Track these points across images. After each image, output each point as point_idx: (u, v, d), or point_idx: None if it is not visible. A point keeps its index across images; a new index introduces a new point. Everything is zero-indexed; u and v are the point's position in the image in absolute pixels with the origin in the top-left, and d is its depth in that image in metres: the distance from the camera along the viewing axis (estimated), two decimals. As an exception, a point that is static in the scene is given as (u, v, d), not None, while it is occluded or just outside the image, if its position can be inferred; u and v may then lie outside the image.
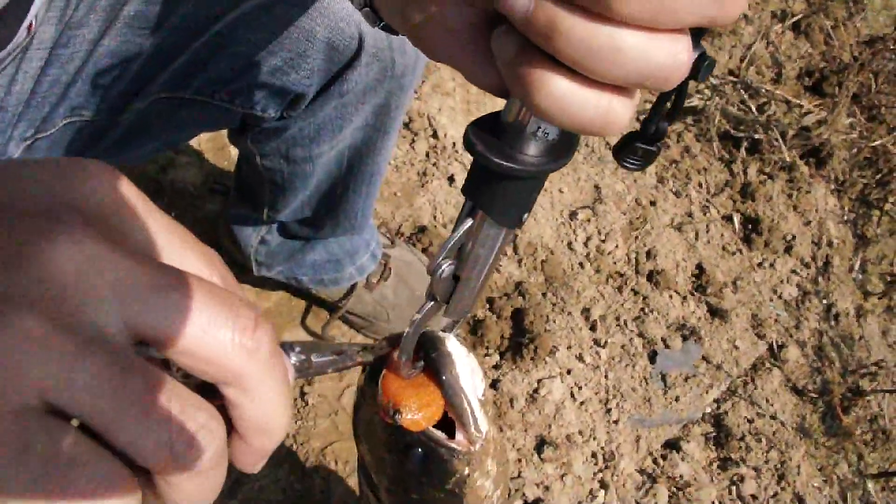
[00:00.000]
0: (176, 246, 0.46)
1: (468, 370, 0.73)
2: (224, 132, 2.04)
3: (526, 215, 0.58)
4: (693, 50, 0.47)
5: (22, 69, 1.00)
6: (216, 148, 2.06)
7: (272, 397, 0.45)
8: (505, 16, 0.44)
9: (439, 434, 0.74)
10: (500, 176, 0.53)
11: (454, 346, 0.72)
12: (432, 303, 0.64)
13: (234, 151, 2.06)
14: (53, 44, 1.00)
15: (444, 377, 0.71)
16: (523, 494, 1.78)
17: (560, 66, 0.43)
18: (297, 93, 1.20)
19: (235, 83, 1.17)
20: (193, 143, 2.04)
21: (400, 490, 0.82)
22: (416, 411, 0.71)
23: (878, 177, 2.59)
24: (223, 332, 0.41)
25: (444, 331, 0.74)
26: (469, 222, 0.57)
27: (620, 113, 0.44)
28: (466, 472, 0.77)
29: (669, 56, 0.42)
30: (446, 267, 0.60)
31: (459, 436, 0.75)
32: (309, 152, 1.38)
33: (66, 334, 0.37)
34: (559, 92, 0.43)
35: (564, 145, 0.52)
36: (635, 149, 0.57)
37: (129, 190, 0.43)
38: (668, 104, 0.58)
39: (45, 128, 1.08)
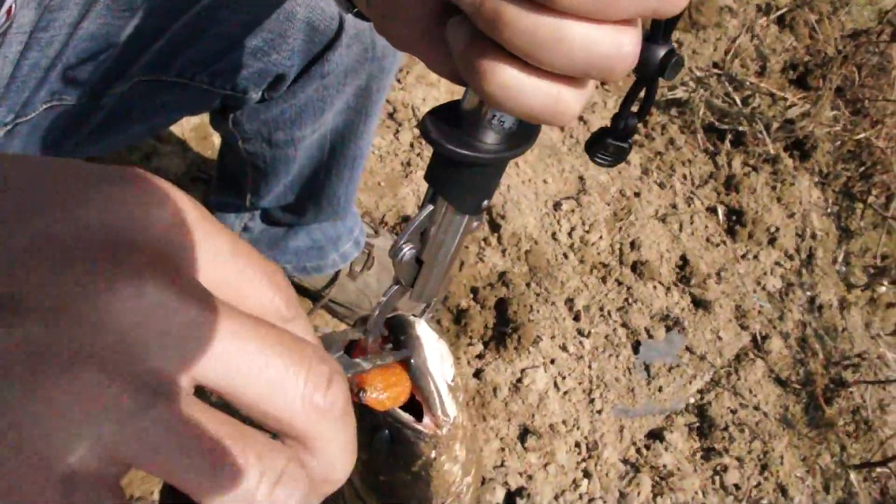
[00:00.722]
0: (241, 269, 0.42)
1: (437, 355, 0.74)
2: (207, 121, 2.04)
3: (486, 202, 0.59)
4: (660, 46, 0.49)
5: (1, 54, 0.99)
6: (199, 137, 2.05)
7: (339, 454, 0.41)
8: (457, 6, 0.44)
9: (406, 416, 0.75)
10: (458, 163, 0.54)
11: (424, 330, 0.73)
12: (397, 286, 0.65)
13: (217, 140, 2.05)
14: (33, 27, 0.99)
15: (412, 360, 0.72)
16: (506, 483, 1.78)
17: (510, 56, 0.44)
18: (278, 73, 1.19)
19: (216, 65, 1.16)
20: (176, 131, 2.03)
21: (370, 474, 0.82)
22: (382, 391, 0.71)
23: (862, 170, 2.60)
24: (293, 389, 0.38)
25: (415, 316, 0.74)
26: (430, 208, 0.58)
27: (570, 102, 0.45)
28: (433, 455, 0.77)
29: (613, 47, 0.42)
30: (407, 251, 0.61)
31: (427, 419, 0.75)
32: (291, 135, 1.37)
33: (126, 387, 0.34)
34: (509, 81, 0.44)
35: (522, 134, 0.53)
36: (606, 145, 0.58)
37: (191, 212, 0.40)
38: (639, 101, 0.60)
39: (26, 112, 1.07)
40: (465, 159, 0.52)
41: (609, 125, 0.58)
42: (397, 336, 0.72)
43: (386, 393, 0.71)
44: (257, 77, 1.20)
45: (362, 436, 0.75)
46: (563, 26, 0.41)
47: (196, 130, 2.06)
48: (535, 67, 0.44)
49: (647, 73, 0.51)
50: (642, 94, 0.57)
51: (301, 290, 1.89)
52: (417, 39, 0.51)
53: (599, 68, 0.43)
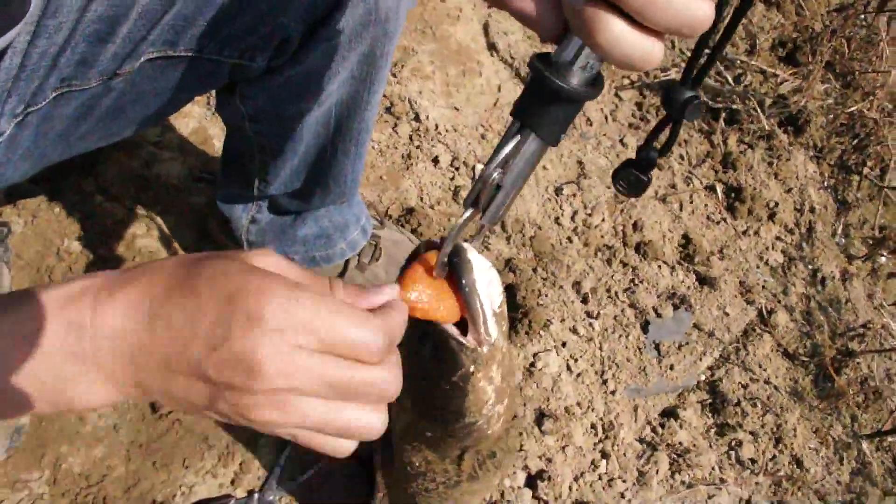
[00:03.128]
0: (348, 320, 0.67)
1: (486, 280, 0.82)
2: (205, 124, 2.04)
3: (562, 136, 0.71)
4: (687, 90, 0.66)
5: (10, 45, 0.99)
6: (199, 140, 2.05)
7: None
8: None
9: (452, 328, 0.83)
10: (554, 97, 0.66)
11: (475, 256, 0.81)
12: (472, 209, 0.75)
13: (217, 144, 2.05)
14: (41, 15, 0.99)
15: (462, 279, 0.80)
16: (526, 467, 1.79)
17: (620, 13, 0.56)
18: (284, 37, 1.20)
19: (222, 34, 1.16)
20: (175, 136, 2.03)
21: (414, 381, 0.86)
22: (429, 300, 0.80)
23: (856, 142, 2.61)
24: None
25: (467, 241, 0.83)
26: (517, 138, 0.70)
27: (658, 53, 0.58)
28: (472, 369, 0.85)
29: (702, 10, 0.55)
30: (497, 175, 0.72)
31: (470, 335, 0.83)
32: (298, 108, 1.37)
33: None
34: (618, 33, 0.57)
35: (599, 80, 0.67)
36: (628, 174, 0.73)
37: (306, 286, 0.68)
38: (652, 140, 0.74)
39: (36, 101, 1.06)
40: (567, 94, 0.65)
41: (634, 157, 0.73)
42: (451, 258, 0.80)
43: (441, 307, 0.81)
44: (264, 41, 1.20)
45: (413, 343, 0.84)
46: None
47: (195, 134, 2.06)
48: (639, 24, 0.56)
49: (673, 111, 0.67)
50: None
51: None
52: (529, 1, 0.63)
53: (690, 26, 0.56)
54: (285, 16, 1.16)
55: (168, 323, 0.66)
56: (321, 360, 0.66)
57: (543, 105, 0.67)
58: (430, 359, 0.85)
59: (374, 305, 0.72)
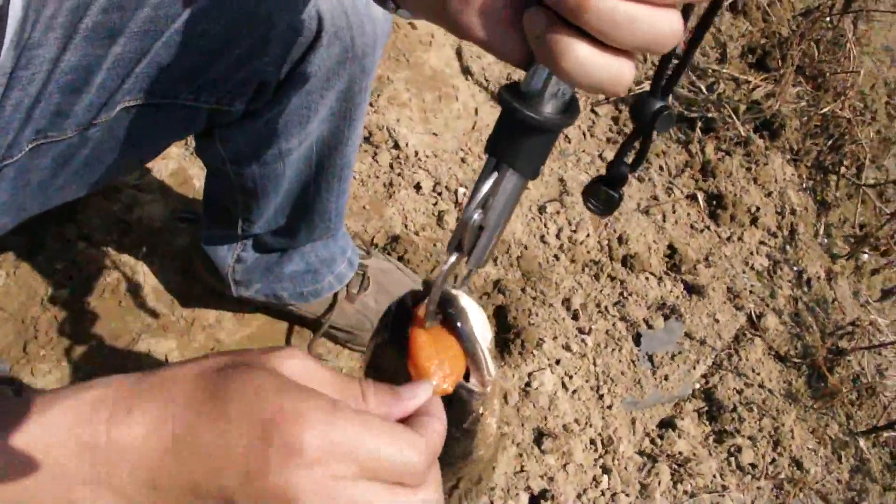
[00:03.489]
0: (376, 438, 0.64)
1: (480, 322, 0.82)
2: (185, 165, 2.04)
3: (541, 168, 0.69)
4: (656, 101, 0.63)
5: None
6: (179, 182, 2.05)
7: None
8: None
9: (460, 381, 0.82)
10: (528, 129, 0.64)
11: (467, 301, 0.81)
12: (456, 255, 0.73)
13: (198, 183, 2.05)
14: (13, 67, 0.98)
15: (461, 329, 0.80)
16: (528, 487, 1.78)
17: (583, 36, 0.54)
18: (262, 80, 1.19)
19: (199, 79, 1.15)
20: (156, 178, 2.03)
21: None
22: (443, 381, 0.80)
23: (831, 142, 2.64)
24: None
25: (455, 288, 0.82)
26: (494, 175, 0.67)
27: (628, 74, 0.56)
28: (481, 410, 0.86)
29: (668, 25, 0.53)
30: (477, 216, 0.69)
31: (473, 381, 0.83)
32: (278, 149, 1.37)
33: None
34: (583, 57, 0.54)
35: (573, 105, 0.64)
36: (598, 191, 0.70)
37: (342, 405, 0.65)
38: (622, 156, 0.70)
39: (11, 154, 1.05)
40: (539, 125, 0.63)
41: (604, 174, 0.70)
42: (446, 308, 0.80)
43: (447, 382, 0.80)
44: (241, 86, 1.19)
45: None
46: (635, 9, 0.52)
47: (175, 175, 2.05)
48: (604, 45, 0.54)
49: (643, 122, 0.64)
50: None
51: (300, 321, 1.89)
52: (490, 29, 0.61)
53: (657, 43, 0.54)
54: (262, 60, 1.16)
55: (195, 448, 0.63)
56: (363, 489, 0.63)
57: (518, 139, 0.65)
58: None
59: (410, 411, 0.70)
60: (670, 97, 0.66)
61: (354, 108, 1.38)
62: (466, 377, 0.83)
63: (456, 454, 0.93)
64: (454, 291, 0.81)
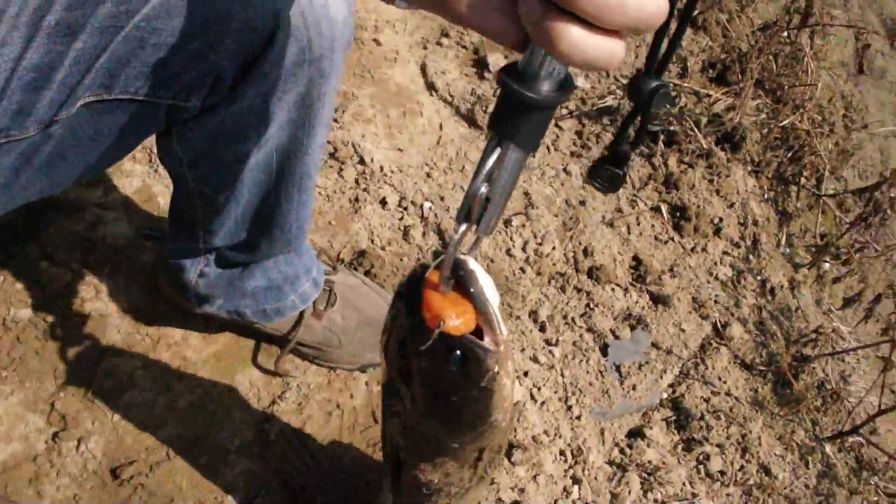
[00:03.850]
0: None
1: (488, 284, 0.87)
2: (149, 182, 2.03)
3: (540, 142, 0.73)
4: (652, 80, 0.70)
5: None
6: (144, 199, 2.04)
7: None
8: None
9: (474, 338, 0.87)
10: (527, 107, 0.68)
11: (474, 265, 0.86)
12: (465, 224, 0.78)
13: (162, 201, 2.04)
14: None
15: (473, 290, 0.85)
16: (499, 500, 1.78)
17: (577, 20, 0.58)
18: (217, 75, 1.19)
19: (157, 74, 1.15)
20: (119, 196, 2.02)
21: (440, 399, 0.95)
22: (457, 319, 0.85)
23: (791, 154, 2.68)
24: None
25: (464, 254, 0.87)
26: (498, 151, 0.72)
27: (619, 51, 0.60)
28: (497, 369, 0.89)
29: (656, 5, 0.57)
30: (483, 189, 0.74)
31: (487, 340, 0.87)
32: (235, 152, 1.36)
33: None
34: (577, 40, 0.58)
35: (567, 83, 0.68)
36: (603, 170, 0.77)
37: None
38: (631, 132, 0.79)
39: None
40: (537, 103, 0.67)
41: (607, 153, 0.76)
42: (457, 272, 0.85)
43: (460, 320, 0.84)
44: (197, 81, 1.19)
45: (437, 362, 0.89)
46: None
47: (139, 193, 2.04)
48: (596, 27, 0.58)
49: (641, 101, 0.70)
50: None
51: (266, 338, 1.88)
52: (487, 15, 0.65)
53: (646, 22, 0.58)
54: (217, 55, 1.16)
55: None
56: None
57: (518, 116, 0.70)
58: (459, 372, 0.89)
59: None
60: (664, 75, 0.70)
61: (314, 115, 1.38)
62: (480, 338, 0.88)
63: (473, 415, 0.97)
64: (463, 257, 0.85)
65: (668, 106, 0.75)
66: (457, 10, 0.66)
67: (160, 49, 1.12)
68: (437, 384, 0.93)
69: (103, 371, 1.78)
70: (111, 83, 1.12)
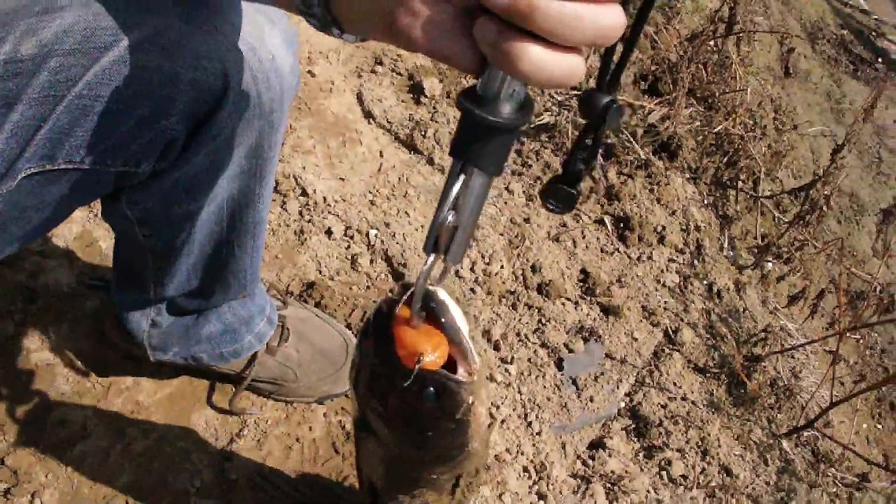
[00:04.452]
0: None
1: (459, 314, 0.86)
2: (90, 228, 2.00)
3: (504, 164, 0.72)
4: (604, 96, 0.66)
5: None
6: (83, 245, 2.00)
7: None
8: (487, 7, 0.58)
9: (445, 372, 0.86)
10: (488, 131, 0.67)
11: (444, 295, 0.85)
12: (433, 255, 0.77)
13: (104, 245, 2.01)
14: None
15: (445, 321, 0.84)
16: (466, 520, 1.77)
17: (534, 38, 0.58)
18: (168, 140, 1.17)
19: (104, 143, 1.12)
20: (60, 243, 1.98)
21: (415, 434, 0.94)
22: (433, 353, 0.84)
23: (726, 159, 2.73)
24: None
25: (433, 285, 0.85)
26: (462, 177, 0.71)
27: (580, 66, 0.60)
28: (471, 400, 0.89)
29: (612, 19, 0.57)
30: (451, 217, 0.73)
31: (461, 371, 0.87)
32: (187, 209, 1.34)
33: None
34: (537, 59, 0.58)
35: (528, 103, 0.68)
36: (558, 190, 0.74)
37: None
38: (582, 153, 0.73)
39: None
40: (499, 126, 0.66)
41: (560, 173, 0.74)
42: (427, 304, 0.83)
43: (436, 353, 0.84)
44: (148, 147, 1.16)
45: (410, 399, 0.88)
46: (580, 8, 0.56)
47: (80, 239, 2.01)
48: (555, 44, 0.58)
49: (593, 118, 0.68)
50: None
51: (220, 377, 1.86)
52: (441, 40, 0.64)
53: (604, 36, 0.58)
54: (168, 119, 1.13)
55: None
56: None
57: (480, 140, 0.69)
58: (434, 408, 0.88)
59: None
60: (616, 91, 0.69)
61: (265, 164, 1.37)
62: (453, 371, 0.87)
63: (450, 446, 0.97)
64: (432, 288, 0.84)
65: (621, 122, 0.75)
66: (410, 37, 0.65)
67: (106, 117, 1.08)
68: (412, 419, 0.92)
69: (53, 422, 1.74)
70: (54, 153, 1.08)
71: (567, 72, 0.59)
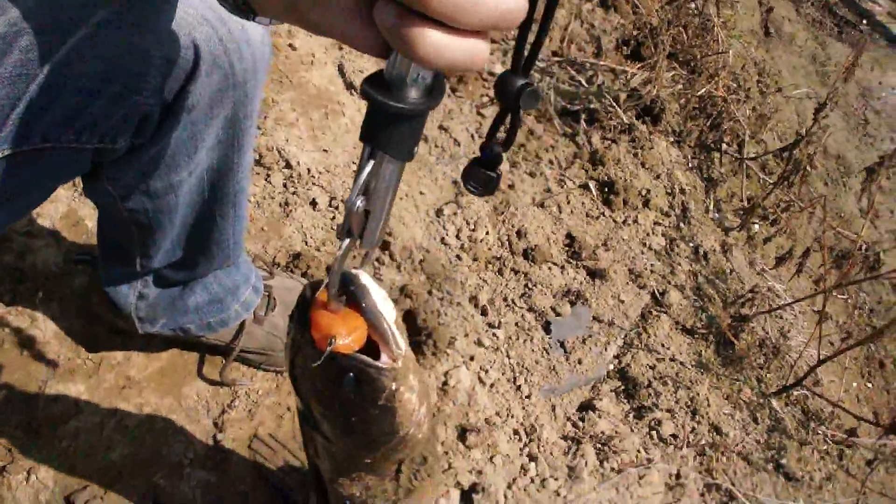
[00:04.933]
0: None
1: (381, 298, 0.84)
2: (75, 207, 2.00)
3: (416, 149, 0.70)
4: (519, 78, 0.64)
5: None
6: (70, 224, 2.00)
7: None
8: None
9: (366, 357, 0.84)
10: (394, 117, 0.66)
11: (366, 279, 0.83)
12: (348, 239, 0.75)
13: (90, 224, 2.01)
14: None
15: (364, 305, 0.82)
16: (458, 483, 1.78)
17: (433, 23, 0.56)
18: (143, 114, 1.17)
19: (79, 120, 1.12)
20: (47, 223, 1.98)
21: (341, 419, 0.92)
22: (347, 336, 0.81)
23: (710, 122, 2.74)
24: None
25: (355, 268, 0.84)
26: (371, 163, 0.70)
27: (483, 51, 0.58)
28: (394, 386, 0.86)
29: (513, 1, 0.55)
30: (360, 203, 0.71)
31: (384, 357, 0.85)
32: (168, 181, 1.34)
33: None
34: (437, 42, 0.57)
35: (437, 87, 0.66)
36: (477, 172, 0.72)
37: None
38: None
39: None
40: (403, 112, 0.64)
41: (479, 155, 0.72)
42: (347, 287, 0.82)
43: (351, 337, 0.81)
44: (123, 122, 1.17)
45: (331, 384, 0.85)
46: None
47: (66, 218, 2.01)
48: (455, 28, 0.56)
49: (508, 101, 0.65)
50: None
51: (210, 349, 1.86)
52: (346, 24, 0.62)
53: (506, 20, 0.56)
54: (141, 94, 1.13)
55: None
56: None
57: (388, 126, 0.67)
58: (354, 393, 0.86)
59: None
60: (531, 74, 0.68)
61: (242, 133, 1.37)
62: (376, 356, 0.85)
63: (378, 432, 0.94)
64: (354, 271, 0.83)
65: (536, 106, 0.72)
66: (314, 20, 0.64)
67: (79, 94, 1.08)
68: (336, 404, 0.90)
69: (47, 400, 1.75)
70: (29, 133, 1.08)
71: (467, 56, 0.58)
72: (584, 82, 2.66)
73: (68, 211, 2.02)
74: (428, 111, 0.67)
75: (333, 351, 0.81)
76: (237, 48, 1.23)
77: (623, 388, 2.09)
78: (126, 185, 1.35)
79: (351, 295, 0.82)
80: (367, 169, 0.70)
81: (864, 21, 4.43)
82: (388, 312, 0.85)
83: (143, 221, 1.44)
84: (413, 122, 0.67)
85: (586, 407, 2.02)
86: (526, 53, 0.65)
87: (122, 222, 1.45)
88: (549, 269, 2.23)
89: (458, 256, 2.18)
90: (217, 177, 1.42)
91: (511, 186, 2.39)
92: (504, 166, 2.45)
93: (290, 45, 2.52)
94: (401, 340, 0.85)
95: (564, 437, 1.95)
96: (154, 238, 1.49)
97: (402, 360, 0.86)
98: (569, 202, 2.42)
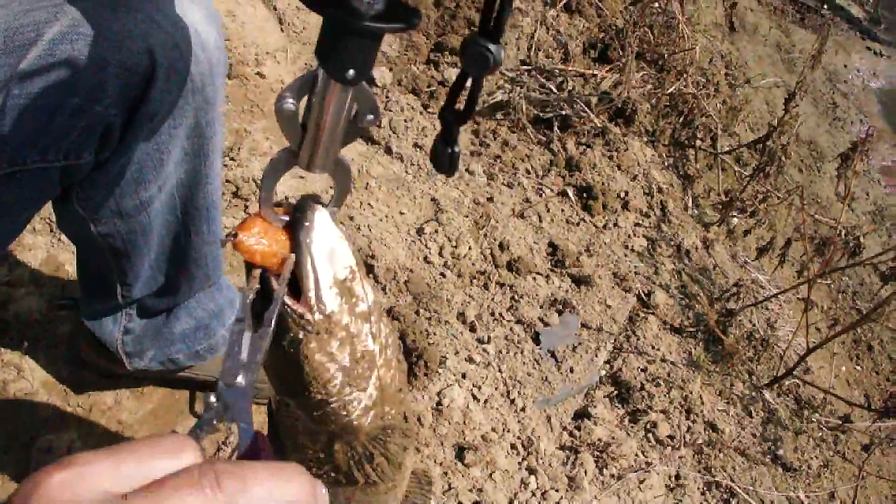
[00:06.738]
0: None
1: (329, 246, 0.77)
2: (55, 253, 1.98)
3: (352, 72, 0.69)
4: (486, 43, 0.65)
5: None
6: (51, 270, 1.99)
7: None
8: None
9: (275, 282, 0.75)
10: (340, 32, 0.66)
11: (324, 219, 0.76)
12: (286, 149, 0.75)
13: (70, 268, 1.99)
14: None
15: (297, 234, 0.75)
16: (459, 503, 1.78)
17: None
18: (105, 125, 1.17)
19: (43, 138, 1.12)
20: (26, 271, 1.96)
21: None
22: (257, 238, 0.74)
23: (682, 119, 2.75)
24: None
25: (324, 205, 0.78)
26: (312, 69, 0.70)
27: None
28: (300, 336, 0.78)
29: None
30: (288, 100, 0.71)
31: (300, 305, 0.76)
32: (138, 198, 1.34)
33: None
34: None
35: (391, 15, 0.65)
36: (442, 152, 0.72)
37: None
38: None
39: None
40: (360, 29, 0.64)
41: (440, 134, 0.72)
42: (294, 212, 0.76)
43: (260, 245, 0.74)
44: (86, 135, 1.16)
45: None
46: None
47: (46, 265, 1.99)
48: None
49: (471, 65, 0.66)
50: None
51: (200, 387, 1.85)
52: None
53: None
54: (101, 104, 1.13)
55: None
56: None
57: (335, 41, 0.67)
58: (276, 324, 0.75)
59: None
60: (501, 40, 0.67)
61: (207, 142, 1.37)
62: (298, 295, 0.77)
63: (288, 377, 0.84)
64: (319, 206, 0.77)
65: (484, 71, 0.69)
66: None
67: (41, 112, 1.08)
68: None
69: (39, 450, 1.73)
70: None
71: None
72: (554, 89, 2.66)
73: (47, 257, 2.01)
74: (377, 34, 0.67)
75: (251, 259, 0.74)
76: (193, 53, 1.23)
77: (616, 392, 2.09)
78: (96, 205, 1.33)
79: (292, 221, 0.76)
80: (308, 72, 0.71)
81: (825, 6, 4.47)
82: (333, 264, 0.78)
83: (117, 246, 1.43)
84: (360, 43, 0.67)
85: (581, 415, 2.03)
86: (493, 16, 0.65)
87: (98, 250, 1.44)
88: (534, 279, 2.24)
89: (443, 274, 2.17)
90: (187, 191, 1.41)
91: (490, 199, 2.39)
92: (481, 179, 2.45)
93: (259, 74, 2.51)
94: (331, 298, 0.77)
95: (562, 448, 1.95)
96: (131, 262, 1.48)
97: (320, 315, 0.77)
98: (548, 210, 2.42)
